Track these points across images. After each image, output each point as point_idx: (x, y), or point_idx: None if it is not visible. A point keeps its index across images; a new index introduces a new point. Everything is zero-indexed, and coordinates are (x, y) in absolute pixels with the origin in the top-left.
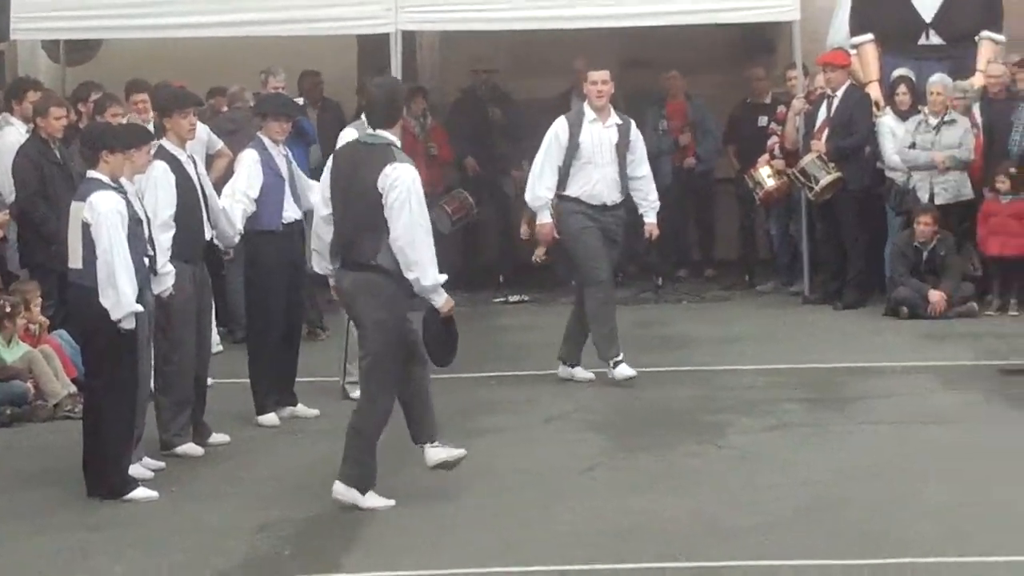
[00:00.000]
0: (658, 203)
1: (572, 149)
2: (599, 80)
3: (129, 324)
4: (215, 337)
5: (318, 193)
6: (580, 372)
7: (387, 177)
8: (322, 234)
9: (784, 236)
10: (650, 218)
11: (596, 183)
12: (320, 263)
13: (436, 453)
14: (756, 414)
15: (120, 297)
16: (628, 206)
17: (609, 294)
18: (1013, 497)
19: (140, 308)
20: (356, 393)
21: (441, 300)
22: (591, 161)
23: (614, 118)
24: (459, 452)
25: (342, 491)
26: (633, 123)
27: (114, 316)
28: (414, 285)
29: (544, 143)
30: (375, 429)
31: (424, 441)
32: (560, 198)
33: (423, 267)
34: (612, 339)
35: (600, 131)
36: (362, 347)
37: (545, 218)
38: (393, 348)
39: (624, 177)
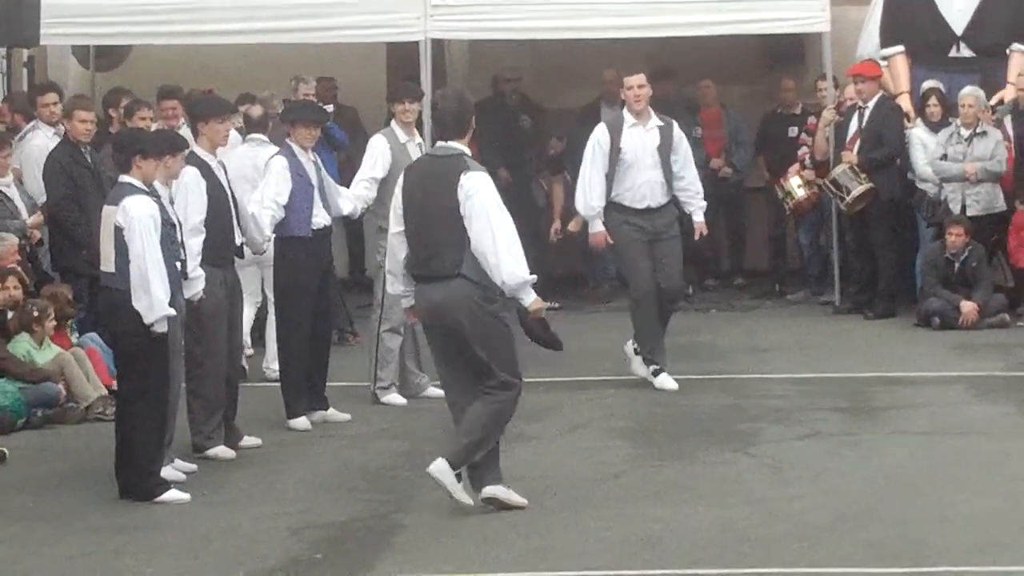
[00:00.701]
0: (705, 202)
1: (615, 154)
2: (635, 84)
3: (162, 328)
4: (246, 340)
5: (348, 199)
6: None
7: (463, 187)
8: (397, 253)
9: (814, 246)
10: (698, 217)
11: (640, 187)
12: (395, 284)
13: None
14: (787, 423)
15: (153, 301)
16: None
17: (648, 307)
18: None
19: (173, 312)
20: (387, 398)
21: (530, 299)
22: (634, 165)
23: (655, 120)
24: (518, 500)
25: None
26: (675, 124)
27: (147, 320)
28: (503, 288)
29: (587, 152)
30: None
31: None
32: (608, 204)
33: (509, 268)
34: (654, 349)
35: (641, 135)
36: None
37: (597, 227)
38: (507, 342)
39: (670, 179)
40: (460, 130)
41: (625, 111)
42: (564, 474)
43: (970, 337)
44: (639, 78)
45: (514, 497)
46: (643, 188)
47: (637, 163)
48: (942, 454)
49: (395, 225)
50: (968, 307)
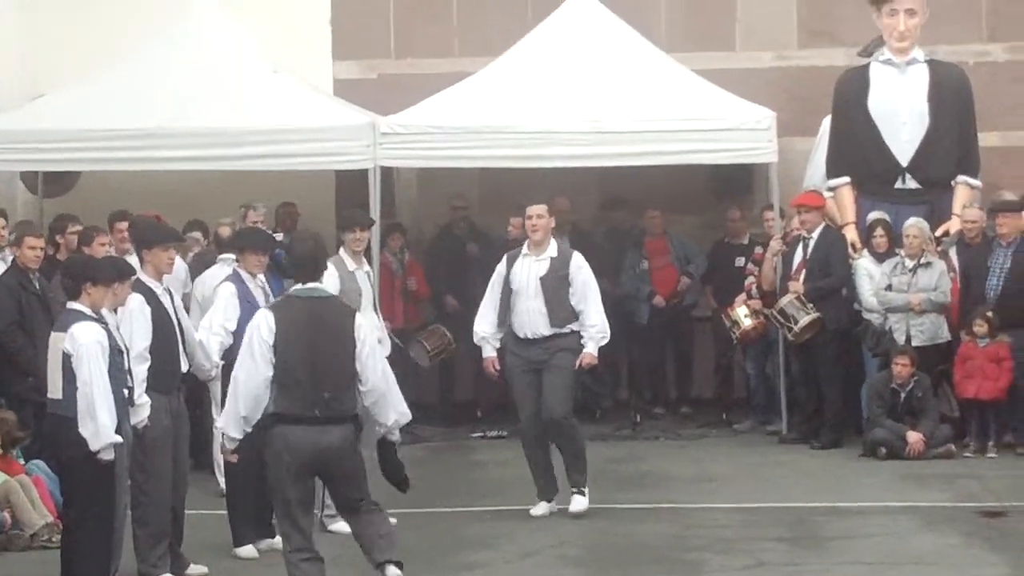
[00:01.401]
0: (600, 333)
1: (507, 285)
2: (534, 215)
3: (108, 455)
4: None
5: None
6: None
7: (361, 328)
8: (263, 397)
9: (761, 375)
10: (588, 347)
11: (521, 315)
12: (244, 427)
13: None
14: (732, 553)
15: (99, 428)
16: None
17: (529, 435)
18: None
19: (119, 439)
20: (334, 526)
21: (398, 435)
22: (519, 294)
23: (550, 251)
24: None
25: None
26: (575, 256)
27: (93, 447)
28: (393, 425)
29: (490, 282)
30: None
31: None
32: (508, 332)
33: (402, 407)
34: (540, 479)
35: (531, 265)
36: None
37: (487, 352)
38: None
39: (559, 310)
40: (319, 272)
41: (526, 242)
42: None
43: (916, 467)
44: (539, 208)
45: None
46: (523, 316)
47: (521, 292)
48: None
49: (264, 369)
50: (914, 437)
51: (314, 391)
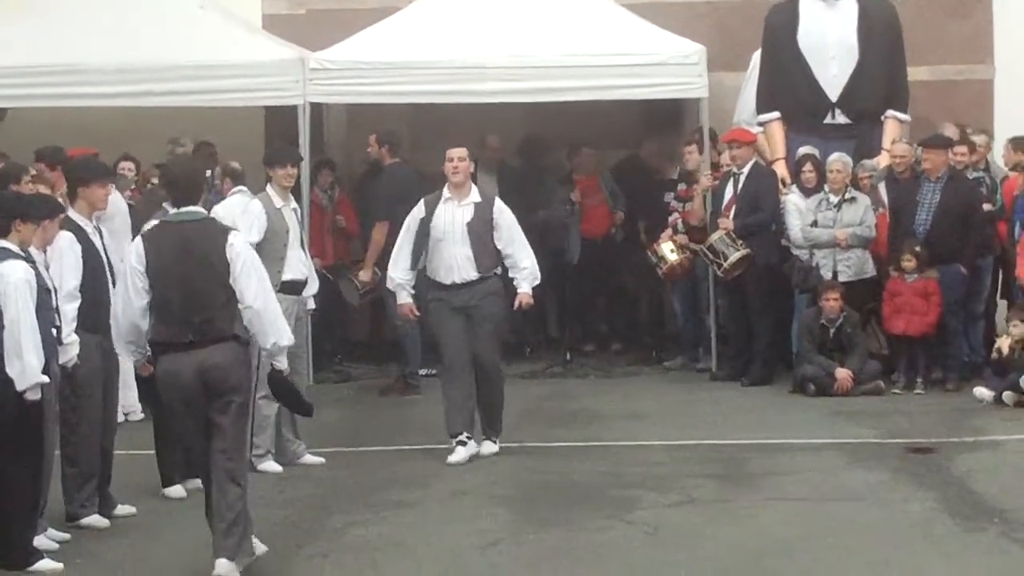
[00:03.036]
0: (531, 273)
1: (426, 229)
2: (455, 157)
3: (35, 395)
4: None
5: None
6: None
7: (233, 247)
8: (141, 325)
9: (689, 312)
10: (522, 288)
11: (446, 260)
12: (135, 351)
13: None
14: (663, 490)
15: (26, 368)
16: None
17: (455, 371)
18: (919, 573)
19: (46, 379)
20: (263, 465)
21: (285, 362)
22: (443, 240)
23: (472, 196)
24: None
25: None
26: (497, 201)
27: (19, 387)
28: (272, 349)
29: (404, 223)
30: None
31: None
32: (426, 278)
33: (279, 329)
34: (461, 421)
35: (453, 210)
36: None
37: (403, 298)
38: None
39: (485, 257)
40: (195, 196)
41: (446, 186)
42: (444, 541)
43: (845, 404)
44: (460, 151)
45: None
46: (448, 262)
47: (446, 238)
48: (817, 520)
49: (137, 299)
50: (843, 374)
51: (186, 316)
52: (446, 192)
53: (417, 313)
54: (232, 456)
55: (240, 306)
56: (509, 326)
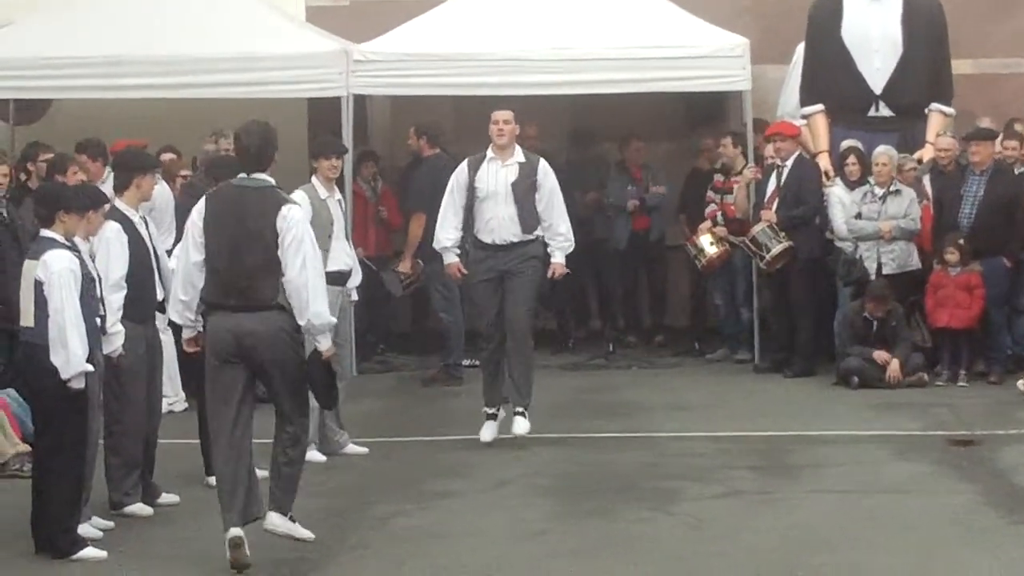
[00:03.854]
0: (568, 242)
1: (471, 190)
2: (500, 119)
3: (79, 383)
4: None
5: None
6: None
7: (285, 219)
8: (195, 281)
9: (730, 305)
10: (556, 257)
11: (490, 221)
12: (185, 313)
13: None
14: (706, 481)
15: (70, 356)
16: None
17: (490, 347)
18: (961, 566)
19: (90, 368)
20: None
21: (328, 343)
22: (486, 200)
23: (516, 156)
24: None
25: (279, 522)
26: (542, 163)
27: (64, 375)
28: (308, 326)
29: (447, 188)
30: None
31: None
32: (472, 239)
33: (317, 307)
34: (490, 387)
35: (497, 170)
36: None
37: (450, 258)
38: (304, 383)
39: (528, 217)
40: (263, 163)
41: (490, 147)
42: (486, 531)
43: (888, 396)
44: (506, 114)
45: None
46: (492, 223)
47: (489, 198)
48: (859, 512)
49: (194, 254)
50: (891, 362)
51: (232, 279)
52: (490, 152)
53: (464, 271)
54: (295, 427)
55: (283, 278)
56: (547, 307)
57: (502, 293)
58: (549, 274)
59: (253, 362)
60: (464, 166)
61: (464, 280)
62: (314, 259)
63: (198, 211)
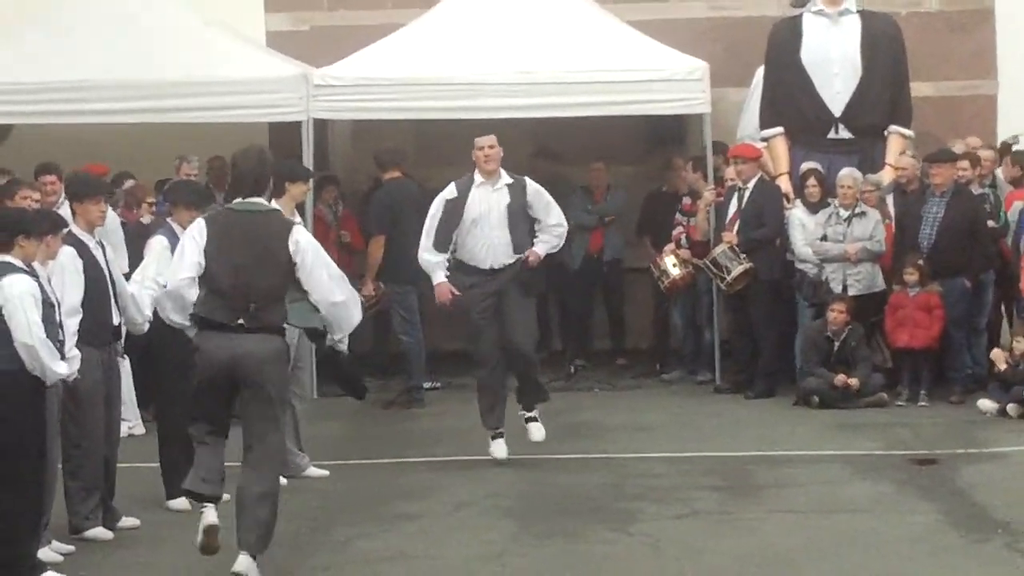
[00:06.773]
0: (562, 228)
1: (458, 213)
2: (485, 145)
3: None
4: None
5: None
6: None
7: (296, 241)
8: (184, 291)
9: (690, 325)
10: (537, 248)
11: (480, 246)
12: (176, 316)
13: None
14: (667, 502)
15: (46, 372)
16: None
17: (487, 375)
18: None
19: (67, 369)
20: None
21: (346, 343)
22: (478, 223)
23: (504, 179)
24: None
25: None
26: (527, 180)
27: (50, 382)
28: (341, 333)
29: (432, 207)
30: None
31: None
32: (457, 264)
33: (353, 314)
34: (489, 412)
35: (488, 194)
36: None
37: (439, 278)
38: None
39: (520, 239)
40: (261, 188)
41: (476, 172)
42: (447, 554)
43: (849, 416)
44: (490, 139)
45: None
46: (482, 248)
47: (481, 221)
48: (820, 532)
49: (186, 271)
50: (842, 379)
51: (239, 301)
52: (478, 177)
53: (456, 292)
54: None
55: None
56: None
57: (500, 317)
58: (524, 256)
59: (242, 380)
60: (452, 188)
61: (454, 304)
62: (340, 273)
63: (199, 228)
